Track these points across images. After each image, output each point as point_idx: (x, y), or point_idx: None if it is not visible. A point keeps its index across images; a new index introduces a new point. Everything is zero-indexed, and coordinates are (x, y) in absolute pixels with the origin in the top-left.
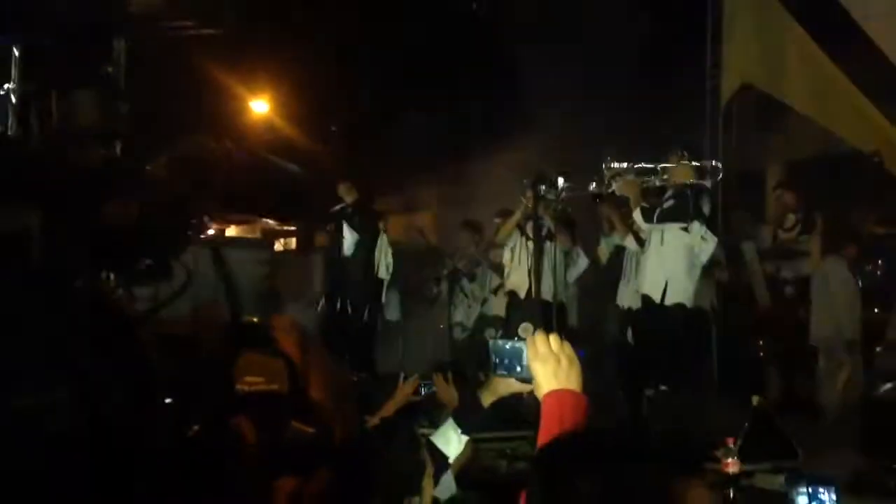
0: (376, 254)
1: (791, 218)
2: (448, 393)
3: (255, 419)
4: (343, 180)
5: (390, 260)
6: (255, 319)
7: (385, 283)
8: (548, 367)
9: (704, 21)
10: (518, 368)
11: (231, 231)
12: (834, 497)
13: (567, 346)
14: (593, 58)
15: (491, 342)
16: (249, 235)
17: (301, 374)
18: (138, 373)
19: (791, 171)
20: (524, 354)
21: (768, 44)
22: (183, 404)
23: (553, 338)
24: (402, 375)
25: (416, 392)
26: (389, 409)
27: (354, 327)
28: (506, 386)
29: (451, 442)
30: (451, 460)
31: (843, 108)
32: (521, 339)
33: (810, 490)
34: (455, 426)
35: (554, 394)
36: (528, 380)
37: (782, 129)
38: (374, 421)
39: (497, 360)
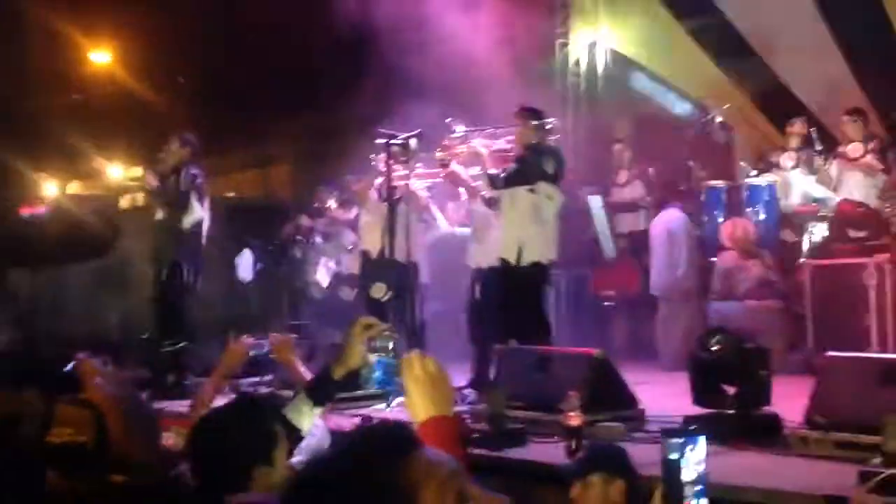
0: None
1: (624, 174)
2: (285, 351)
3: (63, 471)
4: (177, 133)
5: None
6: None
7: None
8: (424, 390)
9: None
10: (392, 386)
11: (74, 187)
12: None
13: (442, 369)
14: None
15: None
16: (94, 191)
17: (109, 423)
18: None
19: (629, 127)
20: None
21: (619, 8)
22: None
23: (431, 360)
24: (231, 336)
25: (248, 352)
26: (221, 371)
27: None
28: (356, 359)
29: (304, 415)
30: (304, 433)
31: (685, 63)
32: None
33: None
34: (307, 399)
35: (431, 422)
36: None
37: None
38: (208, 386)
39: (369, 374)
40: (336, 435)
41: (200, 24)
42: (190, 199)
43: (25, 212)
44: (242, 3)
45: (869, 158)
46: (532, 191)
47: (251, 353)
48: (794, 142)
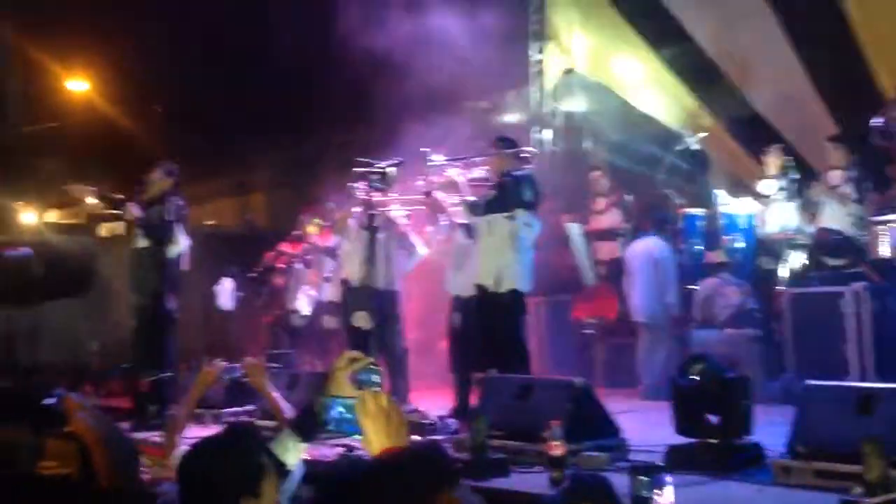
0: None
1: (601, 201)
2: (257, 376)
3: (51, 502)
4: (161, 163)
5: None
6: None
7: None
8: (379, 425)
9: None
10: (349, 425)
11: (52, 216)
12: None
13: (394, 404)
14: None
15: (322, 399)
16: (73, 220)
17: (93, 455)
18: None
19: (606, 155)
20: (353, 411)
21: (593, 36)
22: None
23: (383, 396)
24: (204, 360)
25: (220, 377)
26: (193, 396)
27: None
28: (340, 393)
29: (290, 450)
30: (289, 468)
31: (660, 91)
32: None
33: (650, 479)
34: (293, 435)
35: (385, 454)
36: (357, 433)
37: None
38: (182, 410)
39: (328, 417)
40: (310, 465)
41: (178, 53)
42: (174, 229)
43: (9, 251)
44: (220, 31)
45: (843, 187)
46: (510, 218)
47: (225, 377)
48: (772, 169)
